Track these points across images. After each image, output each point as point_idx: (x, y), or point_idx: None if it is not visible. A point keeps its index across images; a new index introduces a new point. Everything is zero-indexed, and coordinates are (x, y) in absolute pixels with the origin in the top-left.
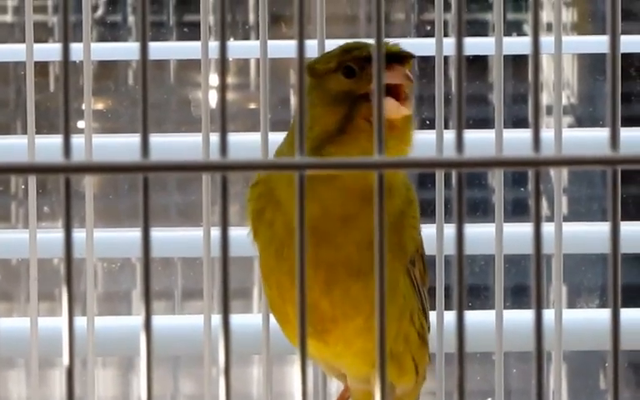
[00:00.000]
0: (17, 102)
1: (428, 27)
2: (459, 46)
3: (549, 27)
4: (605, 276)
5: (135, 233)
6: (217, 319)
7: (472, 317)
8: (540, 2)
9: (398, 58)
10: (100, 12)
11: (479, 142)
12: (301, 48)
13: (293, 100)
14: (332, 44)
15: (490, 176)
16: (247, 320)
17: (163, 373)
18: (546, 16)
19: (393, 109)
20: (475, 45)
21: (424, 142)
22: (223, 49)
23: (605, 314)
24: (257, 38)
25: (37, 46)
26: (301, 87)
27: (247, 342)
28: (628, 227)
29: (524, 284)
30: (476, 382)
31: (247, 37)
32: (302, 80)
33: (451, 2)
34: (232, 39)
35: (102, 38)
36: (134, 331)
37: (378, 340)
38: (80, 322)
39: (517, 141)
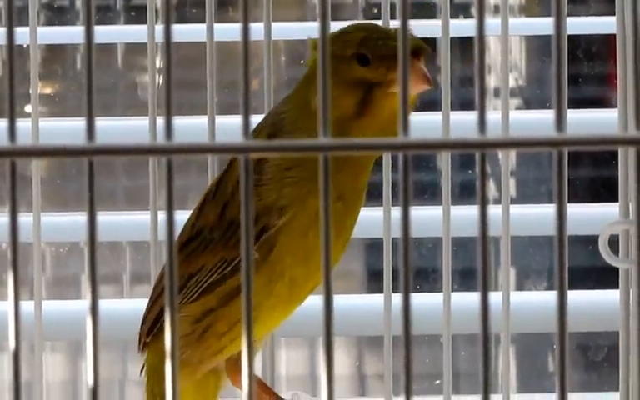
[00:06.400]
0: None
1: (375, 10)
2: (404, 29)
3: (497, 9)
4: (553, 258)
5: (83, 217)
6: None
7: (420, 299)
8: None
9: (414, 52)
10: None
11: (426, 124)
12: (245, 32)
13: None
14: (279, 28)
15: (438, 158)
16: None
17: (112, 357)
18: None
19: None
20: (422, 27)
21: None
22: (168, 32)
23: (553, 296)
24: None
25: None
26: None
27: None
28: (576, 209)
29: (472, 267)
30: (424, 365)
31: (194, 21)
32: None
33: None
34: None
35: (49, 22)
36: (83, 315)
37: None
38: (28, 306)
39: (464, 123)
